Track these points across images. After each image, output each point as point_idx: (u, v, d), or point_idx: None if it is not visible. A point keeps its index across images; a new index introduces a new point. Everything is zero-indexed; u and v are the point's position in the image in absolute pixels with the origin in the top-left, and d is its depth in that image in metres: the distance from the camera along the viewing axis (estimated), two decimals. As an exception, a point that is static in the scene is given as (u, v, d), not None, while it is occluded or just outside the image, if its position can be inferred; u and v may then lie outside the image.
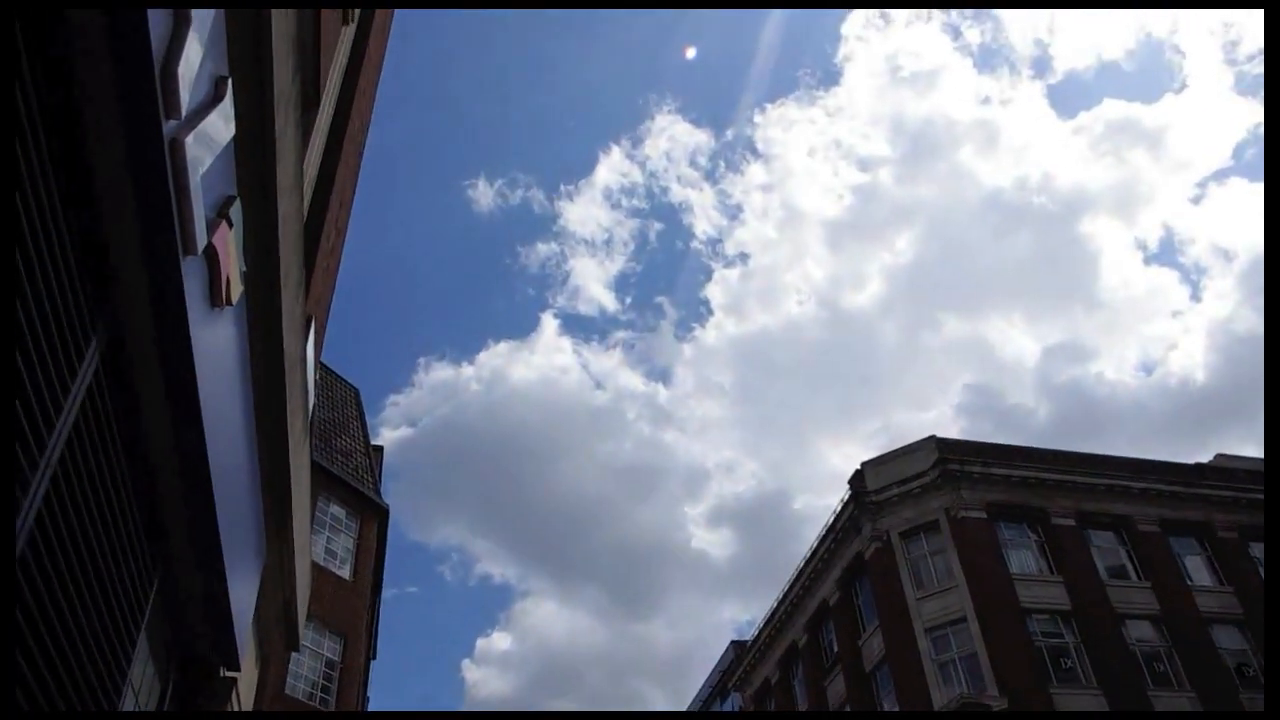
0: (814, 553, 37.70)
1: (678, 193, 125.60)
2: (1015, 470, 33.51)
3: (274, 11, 3.69)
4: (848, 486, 34.91)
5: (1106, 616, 30.78)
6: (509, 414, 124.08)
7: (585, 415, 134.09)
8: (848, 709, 34.22)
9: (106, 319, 3.32)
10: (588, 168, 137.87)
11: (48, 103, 2.72)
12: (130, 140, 2.90)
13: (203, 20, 3.09)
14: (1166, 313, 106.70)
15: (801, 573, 38.79)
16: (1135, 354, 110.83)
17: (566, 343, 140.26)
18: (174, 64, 2.87)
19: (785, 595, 40.22)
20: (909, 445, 34.43)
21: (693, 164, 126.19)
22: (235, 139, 3.72)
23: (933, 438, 34.19)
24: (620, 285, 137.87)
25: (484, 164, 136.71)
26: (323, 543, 24.86)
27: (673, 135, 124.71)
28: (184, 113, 3.02)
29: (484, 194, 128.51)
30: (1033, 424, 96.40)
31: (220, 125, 3.46)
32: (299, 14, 4.72)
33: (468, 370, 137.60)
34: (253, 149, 4.00)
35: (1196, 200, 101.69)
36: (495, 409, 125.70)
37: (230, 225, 3.78)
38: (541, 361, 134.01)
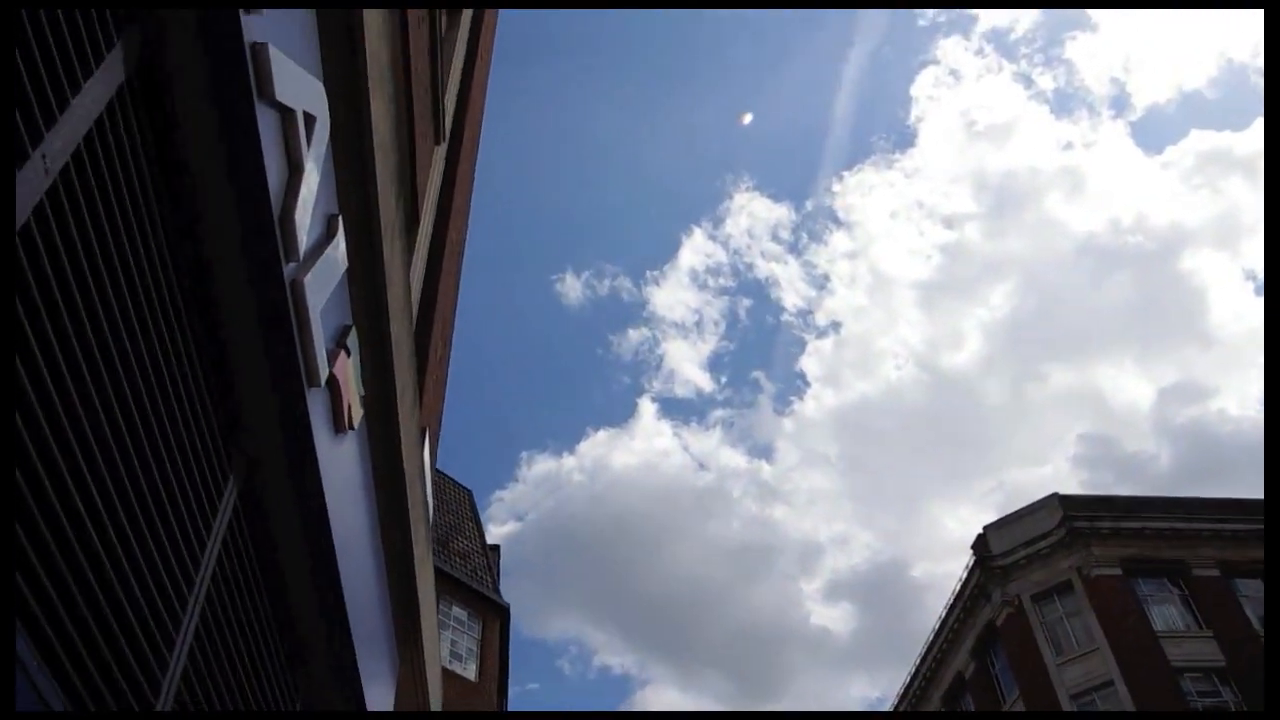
0: (943, 623, 36.47)
1: (763, 268, 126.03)
2: (1148, 523, 32.10)
3: (378, 148, 3.87)
4: (971, 552, 33.84)
5: (1266, 671, 28.95)
6: (615, 501, 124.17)
7: (691, 497, 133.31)
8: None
9: (241, 459, 3.46)
10: (671, 251, 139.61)
11: (180, 255, 2.88)
12: (255, 285, 3.06)
13: (314, 163, 3.27)
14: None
15: (932, 645, 37.51)
16: (1258, 388, 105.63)
17: (666, 426, 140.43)
18: (291, 209, 3.02)
19: (917, 670, 38.88)
20: (1030, 505, 33.32)
21: (775, 238, 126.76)
22: (348, 271, 3.89)
23: (1055, 495, 33.05)
24: (715, 365, 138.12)
25: (569, 257, 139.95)
26: (447, 645, 25.00)
27: (752, 212, 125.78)
28: (302, 254, 3.18)
29: (572, 287, 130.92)
30: (1156, 469, 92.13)
31: (334, 260, 3.62)
32: (398, 140, 4.93)
33: (569, 461, 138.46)
34: (364, 278, 4.17)
35: None
36: (600, 497, 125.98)
37: (348, 354, 3.92)
38: (642, 446, 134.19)
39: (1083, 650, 30.00)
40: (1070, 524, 31.48)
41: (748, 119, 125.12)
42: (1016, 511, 33.44)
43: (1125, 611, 29.99)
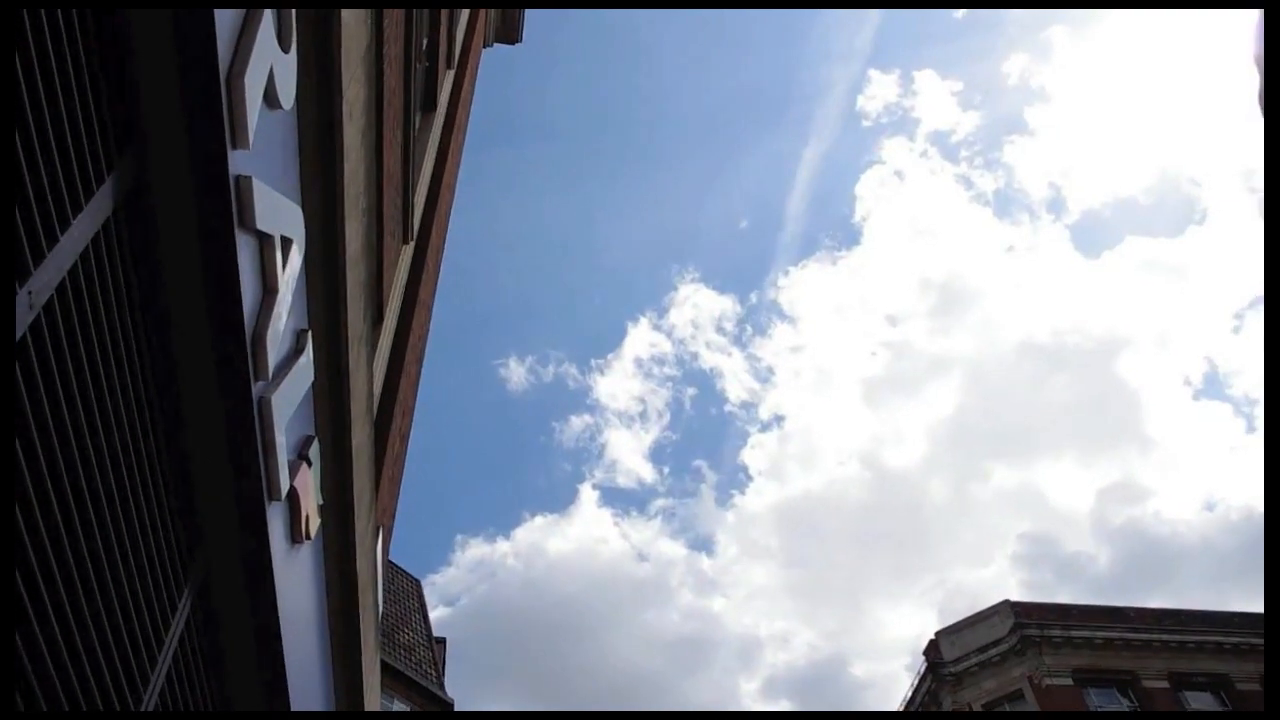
0: (894, 730, 36.06)
1: (707, 358, 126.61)
2: (1098, 632, 32.16)
3: (349, 263, 3.97)
4: (923, 658, 33.67)
5: (1215, 786, 28.84)
6: (550, 588, 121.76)
7: (629, 586, 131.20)
8: None
9: (197, 571, 3.47)
10: (617, 340, 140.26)
11: (152, 374, 2.94)
12: (224, 403, 3.12)
13: (288, 283, 3.36)
14: (1223, 447, 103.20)
15: (883, 752, 37.02)
16: (1196, 490, 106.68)
17: (606, 514, 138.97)
18: (263, 331, 3.10)
19: (867, 777, 38.29)
20: (982, 611, 33.29)
21: (719, 330, 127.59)
22: (313, 383, 3.95)
23: (1006, 602, 33.06)
24: (657, 454, 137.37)
25: (514, 343, 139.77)
26: (387, 743, 24.31)
27: (697, 303, 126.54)
28: (271, 372, 3.25)
29: (516, 372, 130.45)
30: (1095, 570, 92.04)
31: (302, 374, 3.69)
32: (368, 249, 5.04)
33: (504, 546, 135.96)
34: (328, 389, 4.23)
35: (1236, 330, 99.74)
36: (535, 584, 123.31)
37: (309, 465, 3.96)
38: (579, 533, 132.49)
39: (1033, 761, 29.78)
40: (1022, 631, 31.49)
41: (744, 225, 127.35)
42: (968, 617, 33.40)
43: (1076, 722, 29.87)
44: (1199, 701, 31.77)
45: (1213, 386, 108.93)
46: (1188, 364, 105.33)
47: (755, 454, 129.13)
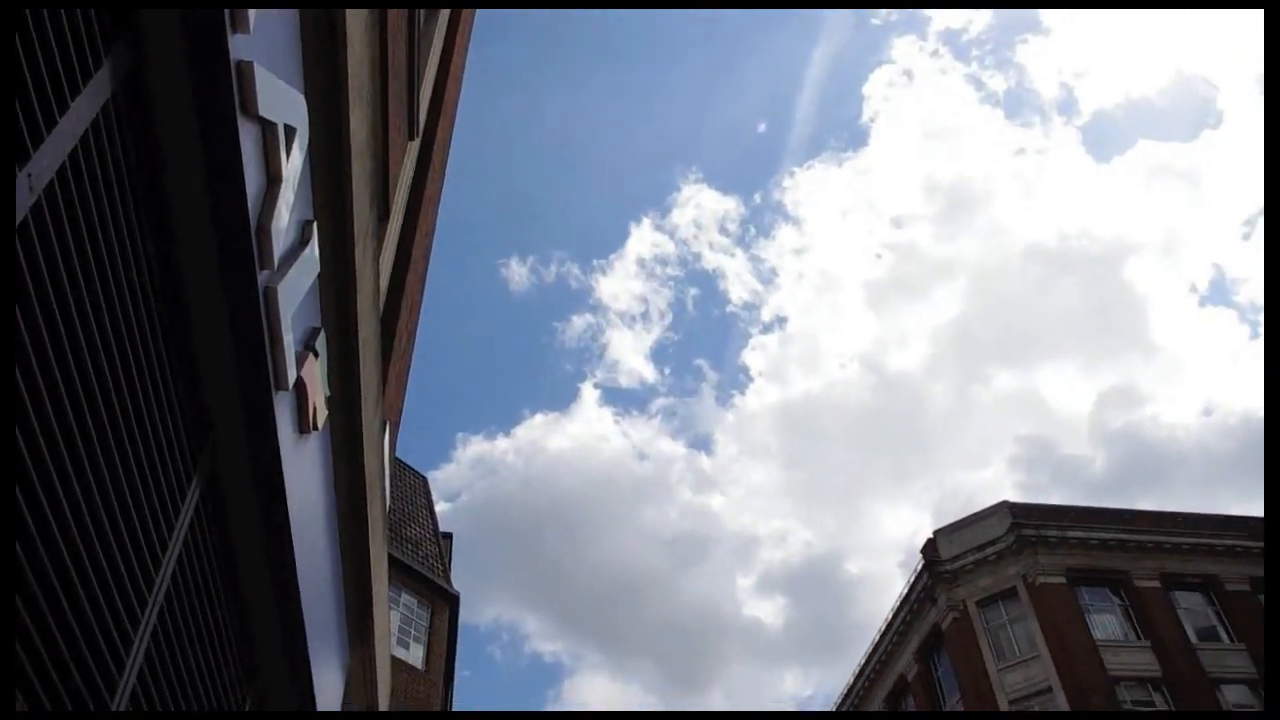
0: (889, 625, 36.93)
1: (710, 259, 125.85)
2: (1093, 533, 32.68)
3: (355, 155, 3.91)
4: (920, 555, 34.31)
5: (1200, 681, 29.59)
6: (550, 485, 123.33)
7: (629, 484, 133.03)
8: (934, 787, 33.19)
9: (205, 461, 3.50)
10: (619, 240, 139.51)
11: (157, 264, 2.92)
12: (228, 293, 3.10)
13: (292, 172, 3.31)
14: (1226, 353, 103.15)
15: (877, 646, 37.97)
16: (1196, 396, 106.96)
17: (607, 413, 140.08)
18: (268, 219, 3.07)
19: (862, 669, 39.34)
20: (981, 511, 33.79)
21: (722, 230, 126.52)
22: (319, 275, 3.92)
23: (1005, 503, 33.54)
24: (659, 354, 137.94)
25: (516, 243, 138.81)
26: (394, 631, 24.95)
27: (700, 204, 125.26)
28: (276, 262, 3.22)
29: (517, 272, 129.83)
30: (1091, 473, 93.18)
31: (307, 265, 3.66)
32: (374, 142, 4.96)
33: (504, 443, 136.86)
34: (335, 281, 4.21)
35: (1246, 237, 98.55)
36: (535, 480, 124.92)
37: (316, 355, 3.96)
38: (579, 430, 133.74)
39: (1024, 657, 30.51)
40: (1018, 531, 32.01)
41: (762, 127, 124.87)
42: (966, 517, 33.92)
43: (1067, 620, 30.52)
44: (1189, 601, 32.43)
45: (1219, 293, 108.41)
46: (1195, 270, 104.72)
47: (756, 355, 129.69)
